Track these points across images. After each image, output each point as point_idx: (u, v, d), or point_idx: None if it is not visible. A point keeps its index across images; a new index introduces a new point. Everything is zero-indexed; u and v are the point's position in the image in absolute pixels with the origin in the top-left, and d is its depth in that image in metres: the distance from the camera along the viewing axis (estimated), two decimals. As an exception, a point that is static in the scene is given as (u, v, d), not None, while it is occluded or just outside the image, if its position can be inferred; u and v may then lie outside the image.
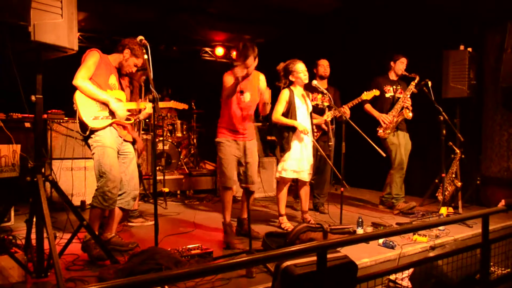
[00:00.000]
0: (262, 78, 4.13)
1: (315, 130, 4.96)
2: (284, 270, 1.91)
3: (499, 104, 5.83)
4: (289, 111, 4.43)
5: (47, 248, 2.71)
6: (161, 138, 6.72)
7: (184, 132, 7.61)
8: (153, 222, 4.54)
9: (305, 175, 4.47)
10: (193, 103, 7.71)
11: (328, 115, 5.15)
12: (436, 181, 5.43)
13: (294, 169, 4.40)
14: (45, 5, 2.66)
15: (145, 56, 3.19)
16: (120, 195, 3.56)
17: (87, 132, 3.37)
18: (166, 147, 6.73)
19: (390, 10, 6.25)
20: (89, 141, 3.43)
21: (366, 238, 2.12)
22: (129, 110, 3.63)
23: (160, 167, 6.39)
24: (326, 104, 5.31)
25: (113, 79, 3.59)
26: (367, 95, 5.13)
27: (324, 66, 5.40)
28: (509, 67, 5.38)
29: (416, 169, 5.89)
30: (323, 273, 1.81)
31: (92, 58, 3.43)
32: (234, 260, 1.61)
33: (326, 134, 5.24)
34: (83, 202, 5.31)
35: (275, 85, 4.47)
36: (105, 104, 3.45)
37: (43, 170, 2.84)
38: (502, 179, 5.76)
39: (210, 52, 9.15)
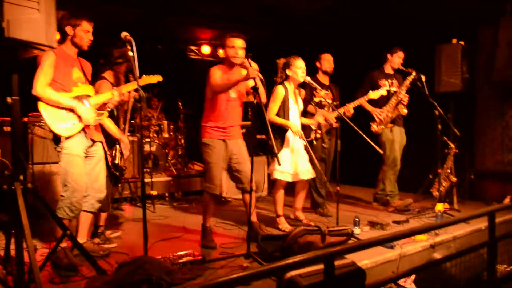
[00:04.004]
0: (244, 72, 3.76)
1: (316, 129, 4.72)
2: (288, 282, 1.75)
3: (492, 98, 5.77)
4: (283, 111, 4.31)
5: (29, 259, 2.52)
6: (147, 140, 6.51)
7: (171, 133, 7.39)
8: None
9: (305, 174, 4.35)
10: (179, 103, 7.51)
11: (320, 115, 4.68)
12: (431, 176, 5.32)
13: (289, 171, 4.26)
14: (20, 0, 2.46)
15: (130, 53, 2.99)
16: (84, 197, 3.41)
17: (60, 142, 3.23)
18: (153, 149, 6.51)
19: (382, 6, 6.12)
20: (57, 148, 3.29)
21: (375, 243, 1.97)
22: (98, 108, 3.42)
23: (148, 169, 6.18)
24: (329, 101, 4.82)
25: (76, 72, 3.37)
26: (374, 94, 4.81)
27: (330, 62, 5.08)
28: (502, 61, 5.33)
29: (408, 164, 5.79)
30: (332, 283, 1.66)
31: (47, 60, 3.17)
32: (234, 276, 1.45)
33: (329, 132, 4.98)
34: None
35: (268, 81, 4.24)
36: (71, 110, 3.26)
37: (21, 178, 2.64)
38: (496, 173, 5.71)
39: (196, 51, 8.93)
